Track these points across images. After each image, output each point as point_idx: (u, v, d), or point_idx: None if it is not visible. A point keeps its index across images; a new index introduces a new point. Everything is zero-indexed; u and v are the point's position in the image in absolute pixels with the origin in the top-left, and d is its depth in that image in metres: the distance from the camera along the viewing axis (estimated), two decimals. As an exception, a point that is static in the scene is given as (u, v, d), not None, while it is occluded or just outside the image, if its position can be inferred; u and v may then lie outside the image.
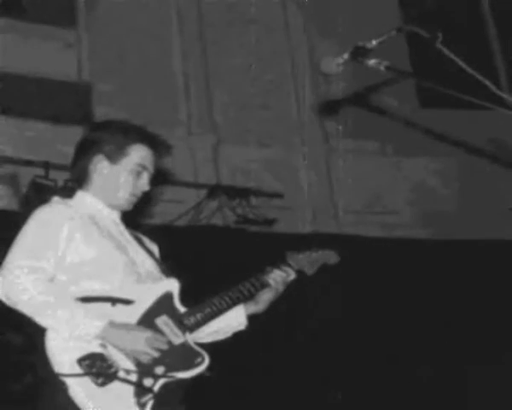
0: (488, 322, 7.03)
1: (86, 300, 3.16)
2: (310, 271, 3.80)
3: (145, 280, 3.34)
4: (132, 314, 3.22)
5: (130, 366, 3.13)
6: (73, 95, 6.99)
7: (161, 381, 3.16)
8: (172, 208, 6.90)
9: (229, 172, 7.35)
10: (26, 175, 6.41)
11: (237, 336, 3.63)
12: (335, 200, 7.63)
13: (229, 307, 3.47)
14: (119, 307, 3.21)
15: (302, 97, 7.67)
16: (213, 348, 3.44)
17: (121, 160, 3.38)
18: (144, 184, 3.42)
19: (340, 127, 7.61)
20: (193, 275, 3.47)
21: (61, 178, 6.06)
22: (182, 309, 3.35)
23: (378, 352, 6.96)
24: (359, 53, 2.54)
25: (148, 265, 3.42)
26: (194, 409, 3.33)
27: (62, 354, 3.07)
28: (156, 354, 3.16)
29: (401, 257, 7.11)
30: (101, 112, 6.73)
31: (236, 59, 7.52)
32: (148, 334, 3.17)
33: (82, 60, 7.15)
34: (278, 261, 3.69)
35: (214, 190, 7.11)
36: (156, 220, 6.68)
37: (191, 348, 3.29)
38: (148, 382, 3.13)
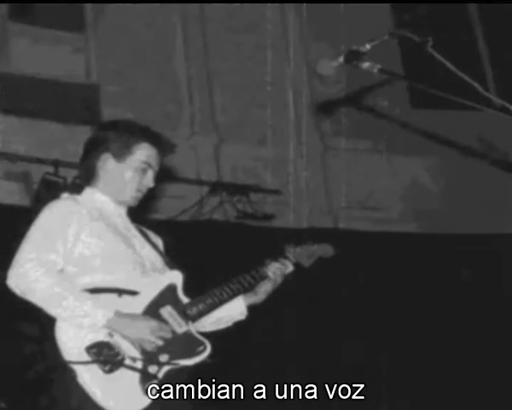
0: (475, 314, 7.03)
1: (94, 291, 3.16)
2: (307, 263, 3.80)
3: (150, 272, 3.34)
4: (138, 305, 3.22)
5: (136, 353, 3.13)
6: (82, 96, 6.97)
7: (165, 368, 3.16)
8: (176, 204, 6.88)
9: (229, 169, 7.33)
10: (37, 172, 6.39)
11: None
12: (331, 196, 7.62)
13: (229, 297, 3.47)
14: (126, 298, 3.21)
15: (299, 98, 7.66)
16: (215, 336, 3.44)
17: (127, 158, 3.38)
18: (149, 181, 3.41)
19: (336, 127, 7.60)
20: (195, 267, 3.47)
21: (70, 175, 6.05)
22: (185, 300, 3.35)
23: (374, 341, 6.96)
24: (353, 56, 2.53)
25: (152, 258, 3.42)
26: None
27: (71, 342, 3.07)
28: (160, 343, 3.16)
29: (392, 250, 7.11)
30: (108, 112, 6.71)
31: (237, 62, 7.50)
32: (152, 323, 3.17)
33: (90, 63, 7.13)
34: (277, 254, 3.69)
35: (216, 187, 7.10)
36: (160, 215, 6.66)
37: (194, 337, 3.29)
38: (152, 369, 3.14)
